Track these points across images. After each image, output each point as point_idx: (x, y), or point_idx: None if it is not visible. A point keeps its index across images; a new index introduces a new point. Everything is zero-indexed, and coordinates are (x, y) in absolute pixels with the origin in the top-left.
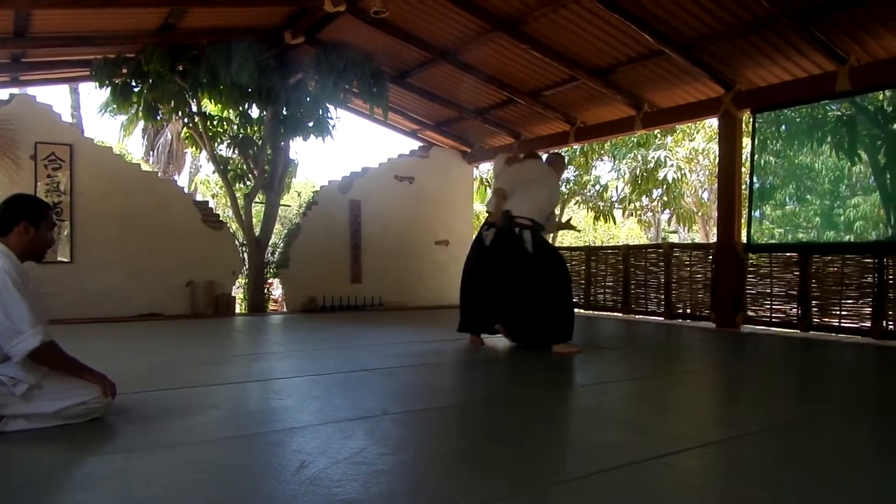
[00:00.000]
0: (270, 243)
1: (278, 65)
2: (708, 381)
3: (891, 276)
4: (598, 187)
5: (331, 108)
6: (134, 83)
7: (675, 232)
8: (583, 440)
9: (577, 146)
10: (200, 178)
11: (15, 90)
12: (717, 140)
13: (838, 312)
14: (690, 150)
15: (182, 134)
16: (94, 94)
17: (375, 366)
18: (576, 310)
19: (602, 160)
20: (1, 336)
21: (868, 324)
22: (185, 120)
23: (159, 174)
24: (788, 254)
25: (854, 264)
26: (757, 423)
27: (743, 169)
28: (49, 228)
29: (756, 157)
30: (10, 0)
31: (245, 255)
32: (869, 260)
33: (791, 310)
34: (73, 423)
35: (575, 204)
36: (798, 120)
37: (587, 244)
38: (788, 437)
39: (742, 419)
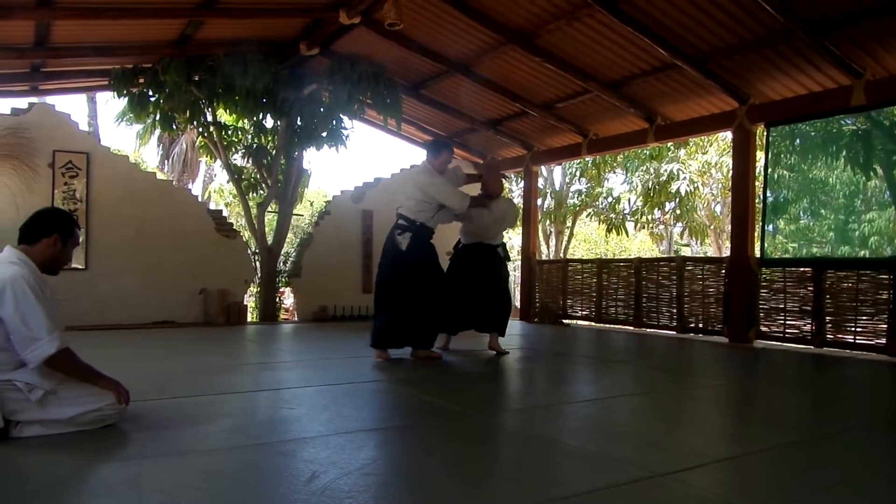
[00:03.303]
0: (283, 252)
1: (293, 76)
2: (721, 396)
3: None
4: (610, 199)
5: (344, 118)
6: (151, 93)
7: (687, 245)
8: (595, 454)
9: (589, 158)
10: (214, 186)
11: (34, 99)
12: (730, 153)
13: (853, 329)
14: (703, 164)
15: (197, 143)
16: (111, 104)
17: (385, 375)
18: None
19: (614, 172)
20: (18, 342)
21: (883, 341)
22: (200, 129)
23: (174, 183)
24: (802, 269)
25: (869, 280)
26: (770, 439)
27: (756, 183)
28: (73, 246)
29: (770, 170)
30: (31, 11)
31: (257, 263)
32: (884, 276)
33: (805, 325)
34: (87, 429)
35: (587, 216)
36: (812, 134)
37: (599, 257)
38: (802, 455)
39: (755, 436)
